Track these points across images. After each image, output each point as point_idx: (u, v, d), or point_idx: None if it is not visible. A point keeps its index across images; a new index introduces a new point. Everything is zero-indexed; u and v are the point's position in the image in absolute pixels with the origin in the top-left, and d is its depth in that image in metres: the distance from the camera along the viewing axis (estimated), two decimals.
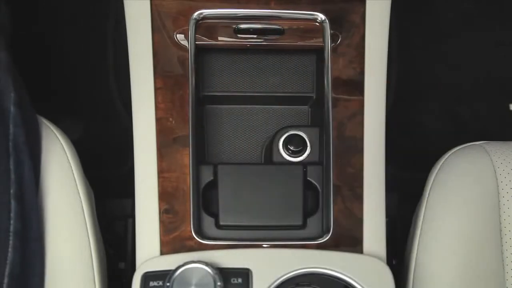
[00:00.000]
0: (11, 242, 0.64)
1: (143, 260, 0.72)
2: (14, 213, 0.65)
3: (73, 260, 0.70)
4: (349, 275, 0.71)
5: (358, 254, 0.74)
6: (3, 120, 0.66)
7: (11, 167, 0.66)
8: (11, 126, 0.67)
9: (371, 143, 0.76)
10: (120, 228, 1.07)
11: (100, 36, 1.19)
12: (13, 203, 0.65)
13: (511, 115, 1.24)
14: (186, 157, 0.74)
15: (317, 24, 0.77)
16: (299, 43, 0.77)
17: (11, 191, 0.65)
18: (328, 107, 0.75)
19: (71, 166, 0.71)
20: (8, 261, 0.64)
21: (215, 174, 0.75)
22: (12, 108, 0.67)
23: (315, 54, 0.80)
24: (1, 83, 0.67)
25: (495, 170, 0.74)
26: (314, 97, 0.81)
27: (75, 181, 0.71)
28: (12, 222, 0.65)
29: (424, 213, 0.75)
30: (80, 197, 0.71)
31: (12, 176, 0.66)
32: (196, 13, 0.75)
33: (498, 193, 0.74)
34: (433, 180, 0.76)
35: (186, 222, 0.74)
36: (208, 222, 0.74)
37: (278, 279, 0.70)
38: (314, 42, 0.76)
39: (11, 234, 0.65)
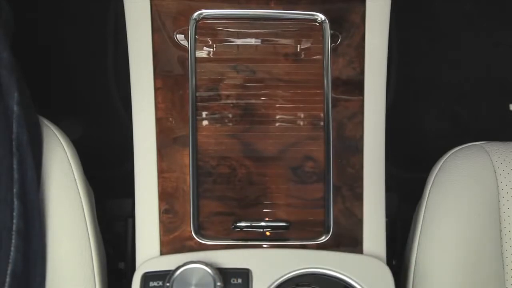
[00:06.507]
0: (13, 241, 0.64)
1: (143, 260, 0.72)
2: (17, 213, 0.65)
3: (73, 260, 0.70)
4: (349, 275, 0.71)
5: (358, 254, 0.74)
6: (6, 119, 0.66)
7: (15, 166, 0.66)
8: (14, 126, 0.67)
9: (371, 143, 0.76)
10: (120, 228, 1.07)
11: (100, 36, 1.19)
12: (16, 202, 0.65)
13: (511, 115, 1.24)
14: (186, 157, 0.75)
15: (317, 24, 0.77)
16: None
17: (14, 190, 0.65)
18: (328, 107, 0.75)
19: (71, 166, 0.71)
20: (10, 260, 0.64)
21: None
22: (15, 108, 0.67)
23: None
24: (4, 82, 0.67)
25: (495, 170, 0.74)
26: None
27: (75, 181, 0.71)
28: (15, 221, 0.65)
29: (424, 213, 0.75)
30: (80, 197, 0.71)
31: (16, 175, 0.66)
32: (196, 13, 0.75)
33: (498, 193, 0.74)
34: (433, 180, 0.76)
35: (186, 222, 0.74)
36: None
37: (278, 279, 0.70)
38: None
39: (13, 233, 0.65)
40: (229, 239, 0.74)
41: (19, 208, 0.65)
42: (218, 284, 0.66)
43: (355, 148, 0.76)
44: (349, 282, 0.70)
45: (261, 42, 0.77)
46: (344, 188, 0.76)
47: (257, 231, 0.74)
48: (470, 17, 1.25)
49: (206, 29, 0.77)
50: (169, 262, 0.69)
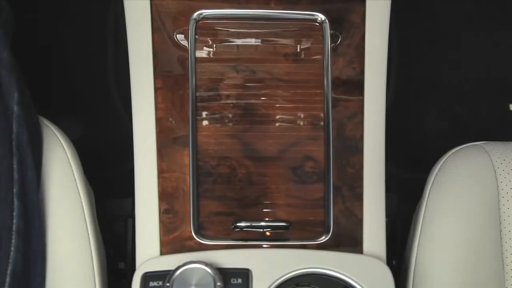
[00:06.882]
0: (13, 241, 0.64)
1: (143, 260, 0.72)
2: (17, 213, 0.65)
3: (73, 260, 0.70)
4: (349, 275, 0.71)
5: (358, 254, 0.74)
6: (6, 119, 0.66)
7: (15, 166, 0.66)
8: (14, 126, 0.67)
9: (371, 143, 0.76)
10: (120, 228, 1.07)
11: (100, 36, 1.19)
12: (16, 202, 0.65)
13: (511, 115, 1.24)
14: (186, 157, 0.75)
15: (317, 24, 0.77)
16: None
17: (14, 190, 0.65)
18: (328, 107, 0.75)
19: (71, 166, 0.71)
20: (10, 260, 0.64)
21: None
22: (15, 108, 0.67)
23: None
24: (4, 82, 0.67)
25: (495, 170, 0.74)
26: None
27: (75, 181, 0.71)
28: (15, 221, 0.65)
29: (424, 213, 0.75)
30: (80, 197, 0.71)
31: (16, 175, 0.66)
32: (196, 13, 0.75)
33: (498, 193, 0.74)
34: (433, 180, 0.76)
35: (186, 222, 0.74)
36: None
37: (278, 279, 0.70)
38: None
39: (13, 233, 0.65)
40: (229, 239, 0.74)
41: (19, 208, 0.65)
42: (218, 284, 0.66)
43: (355, 148, 0.76)
44: (349, 282, 0.70)
45: (261, 42, 0.77)
46: (344, 188, 0.76)
47: (257, 231, 0.74)
48: (470, 17, 1.25)
49: (206, 29, 0.77)
50: (169, 262, 0.69)
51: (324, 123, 0.76)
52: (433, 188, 0.76)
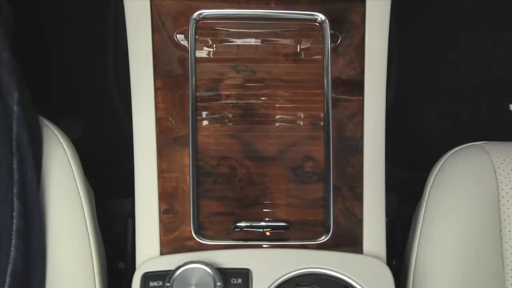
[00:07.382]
0: (13, 241, 0.65)
1: (143, 260, 0.72)
2: (17, 213, 0.65)
3: (73, 260, 0.70)
4: (349, 275, 0.71)
5: (358, 254, 0.74)
6: (7, 119, 0.66)
7: (15, 166, 0.66)
8: (14, 126, 0.67)
9: (371, 143, 0.76)
10: (120, 228, 1.07)
11: (100, 36, 1.19)
12: (16, 202, 0.65)
13: (511, 115, 1.24)
14: (186, 157, 0.75)
15: (317, 24, 0.77)
16: None
17: (14, 190, 0.65)
18: (328, 107, 0.75)
19: (71, 166, 0.71)
20: (10, 260, 0.64)
21: None
22: (15, 108, 0.67)
23: None
24: (4, 82, 0.67)
25: (495, 170, 0.74)
26: None
27: (75, 181, 0.71)
28: (15, 221, 0.65)
29: (424, 213, 0.75)
30: (80, 197, 0.71)
31: (16, 175, 0.66)
32: (196, 13, 0.75)
33: (498, 193, 0.74)
34: (433, 180, 0.76)
35: (186, 222, 0.74)
36: None
37: (278, 279, 0.70)
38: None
39: (14, 233, 0.65)
40: (229, 239, 0.74)
41: (19, 208, 0.65)
42: (218, 284, 0.66)
43: (355, 148, 0.76)
44: (349, 282, 0.71)
45: (261, 42, 0.77)
46: (344, 188, 0.76)
47: (257, 231, 0.74)
48: (470, 17, 1.25)
49: (206, 29, 0.77)
50: (169, 262, 0.69)
51: (324, 123, 0.76)
52: (433, 188, 0.76)
